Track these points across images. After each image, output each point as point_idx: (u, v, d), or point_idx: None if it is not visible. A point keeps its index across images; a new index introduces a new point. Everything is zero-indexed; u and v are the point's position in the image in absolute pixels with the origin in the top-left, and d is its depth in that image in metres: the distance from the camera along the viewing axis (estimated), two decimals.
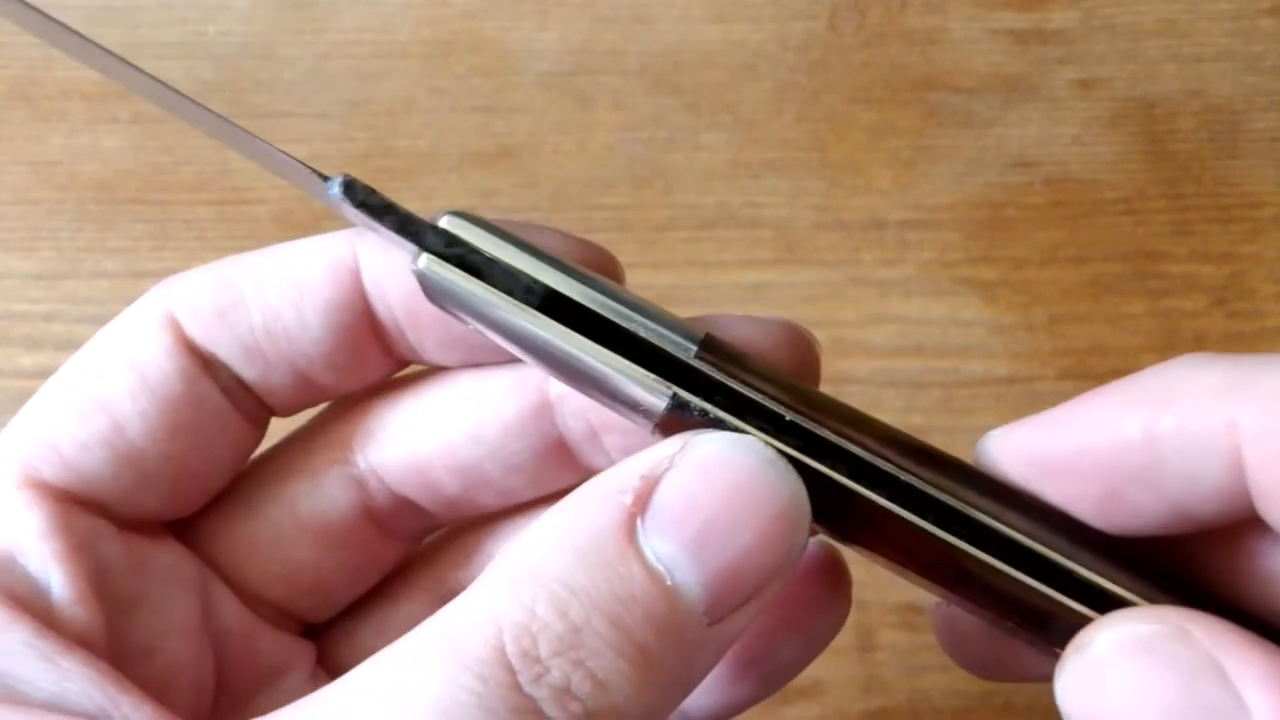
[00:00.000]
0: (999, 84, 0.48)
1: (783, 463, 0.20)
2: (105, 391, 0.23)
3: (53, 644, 0.20)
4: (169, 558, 0.24)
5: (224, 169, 0.46)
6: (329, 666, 0.27)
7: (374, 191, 0.21)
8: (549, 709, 0.18)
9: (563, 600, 0.18)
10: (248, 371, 0.24)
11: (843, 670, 0.39)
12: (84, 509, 0.23)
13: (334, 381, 0.25)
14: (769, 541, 0.19)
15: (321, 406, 0.27)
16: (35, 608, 0.21)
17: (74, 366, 0.24)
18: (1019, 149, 0.47)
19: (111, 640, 0.22)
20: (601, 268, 0.23)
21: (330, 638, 0.27)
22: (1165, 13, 0.49)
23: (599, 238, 0.45)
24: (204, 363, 0.24)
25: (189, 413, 0.23)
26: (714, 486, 0.19)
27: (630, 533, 0.19)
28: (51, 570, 0.22)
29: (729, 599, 0.19)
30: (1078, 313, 0.44)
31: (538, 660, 0.18)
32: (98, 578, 0.22)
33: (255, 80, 0.48)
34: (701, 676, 0.20)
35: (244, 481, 0.26)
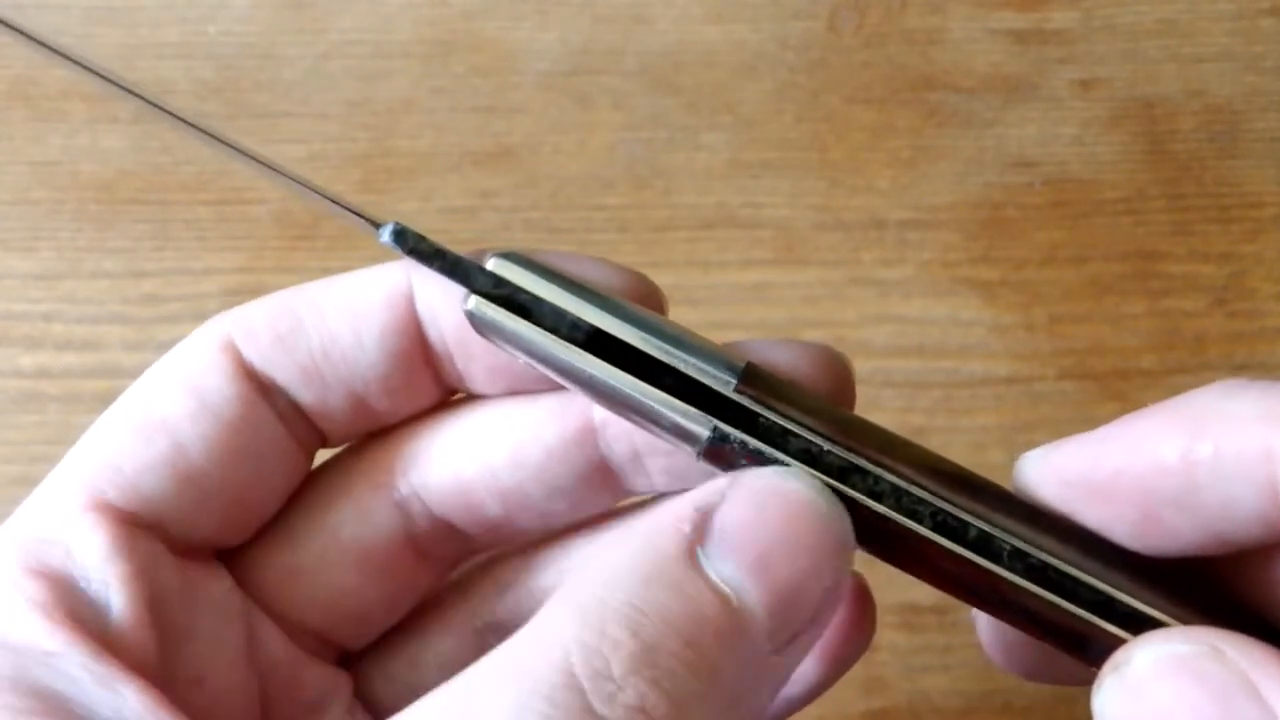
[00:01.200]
0: (999, 84, 0.48)
1: (829, 492, 0.21)
2: (167, 414, 0.23)
3: (111, 669, 0.21)
4: (219, 587, 0.24)
5: (224, 169, 0.46)
6: (363, 699, 0.27)
7: (424, 238, 0.23)
8: None
9: (634, 620, 0.18)
10: (305, 395, 0.24)
11: None
12: (145, 533, 0.23)
13: (387, 406, 0.25)
14: (824, 567, 0.20)
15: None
16: (93, 631, 0.21)
17: (135, 391, 0.24)
18: (1019, 149, 0.47)
19: (163, 667, 0.22)
20: (645, 298, 0.24)
21: (363, 670, 0.27)
22: (1165, 13, 0.49)
23: (599, 238, 0.45)
24: (261, 387, 0.24)
25: (247, 436, 0.24)
26: (769, 514, 0.20)
27: (693, 557, 0.19)
28: (112, 594, 0.22)
29: (789, 624, 0.20)
30: (1078, 313, 0.44)
31: (610, 679, 0.18)
32: (154, 604, 0.22)
33: (255, 80, 0.48)
34: (760, 711, 0.20)
35: (285, 510, 0.26)
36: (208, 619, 0.24)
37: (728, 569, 0.19)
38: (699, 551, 0.19)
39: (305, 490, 0.26)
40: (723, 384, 0.22)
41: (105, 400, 0.43)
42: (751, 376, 0.22)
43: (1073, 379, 0.43)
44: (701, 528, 0.20)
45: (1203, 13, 0.49)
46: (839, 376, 0.24)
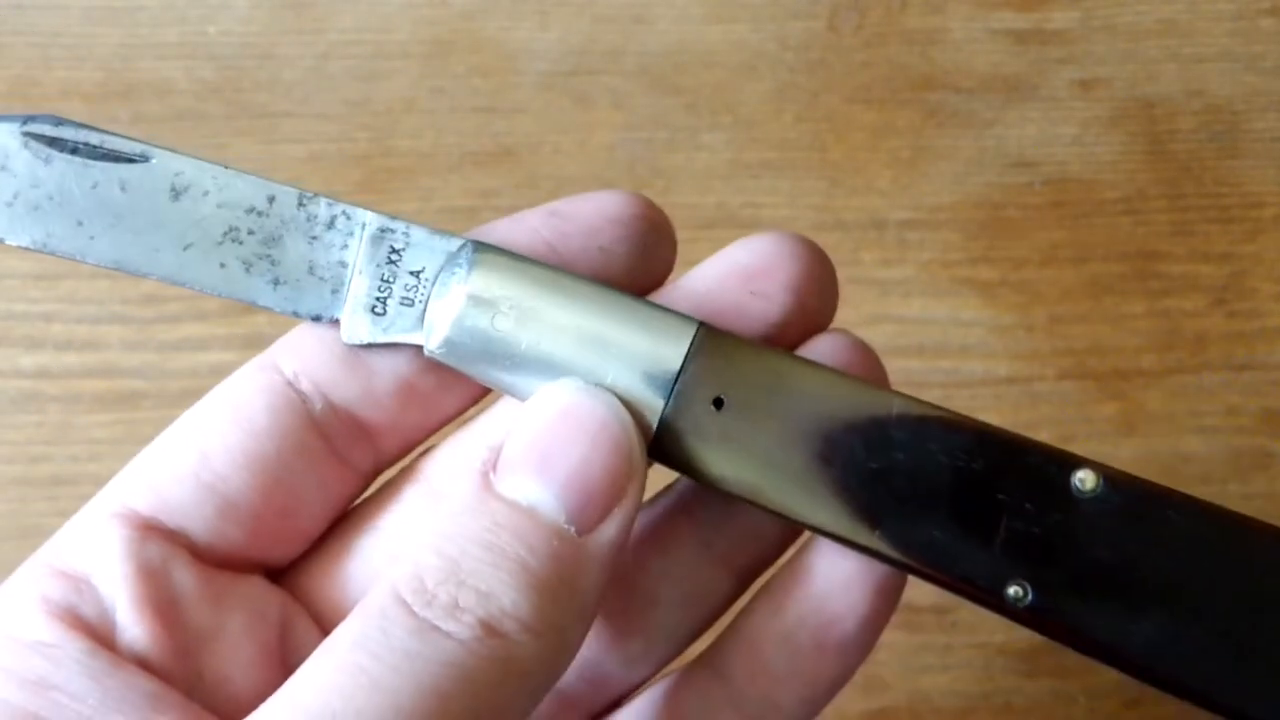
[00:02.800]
0: (999, 84, 0.48)
1: (594, 387, 0.23)
2: (200, 426, 0.25)
3: (103, 662, 0.22)
4: (251, 593, 0.25)
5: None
6: None
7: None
8: (445, 624, 0.21)
9: (439, 545, 0.22)
10: (350, 387, 0.25)
11: None
12: (164, 538, 0.24)
13: (436, 384, 0.26)
14: (602, 447, 0.23)
15: None
16: (101, 626, 0.23)
17: (189, 411, 0.25)
18: (1019, 149, 0.47)
19: (186, 666, 0.23)
20: (651, 221, 0.27)
21: None
22: (1165, 13, 0.49)
23: None
24: (298, 396, 0.25)
25: (273, 446, 0.25)
26: (543, 421, 0.23)
27: (485, 484, 0.23)
28: (119, 592, 0.23)
29: (585, 505, 0.22)
30: (1078, 313, 0.44)
31: (426, 590, 0.21)
32: (169, 604, 0.24)
33: (255, 80, 0.48)
34: (596, 591, 0.23)
35: (344, 523, 0.27)
36: (236, 623, 0.25)
37: (517, 479, 0.22)
38: (491, 477, 0.23)
39: (366, 504, 0.27)
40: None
41: (105, 400, 0.44)
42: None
43: (1073, 379, 0.43)
44: (493, 459, 0.23)
45: (1203, 13, 0.49)
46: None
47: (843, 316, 0.45)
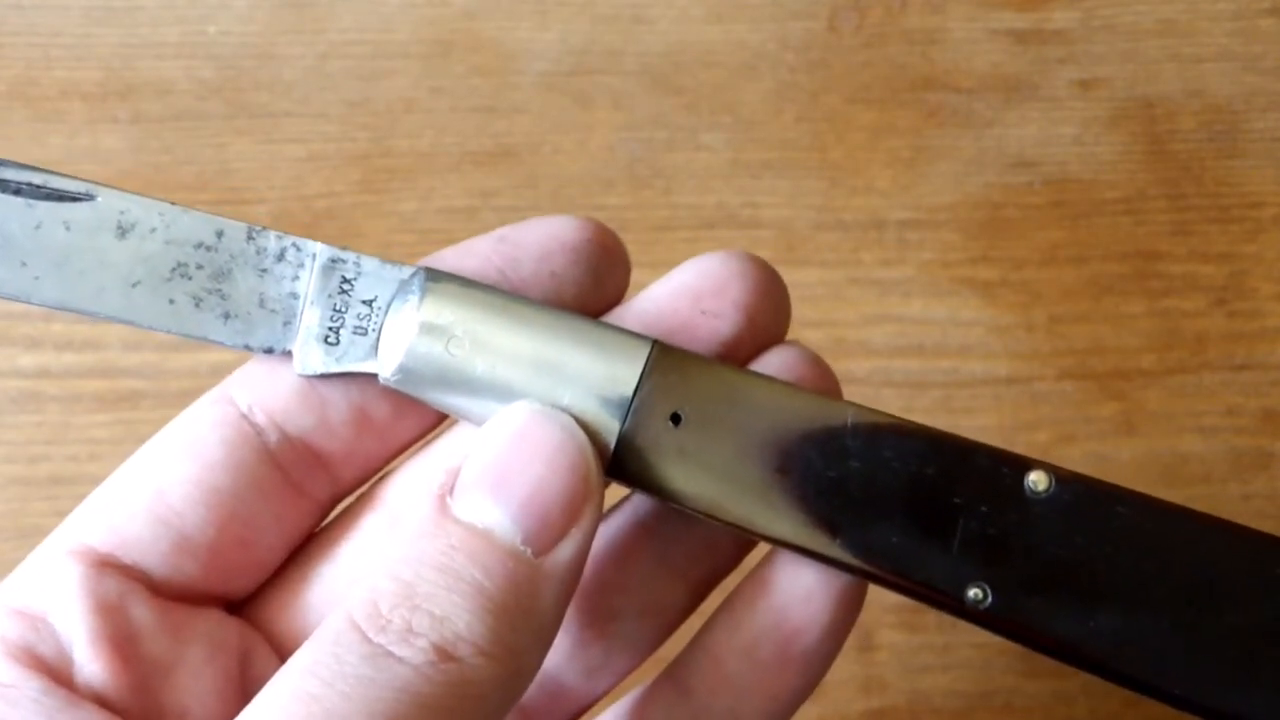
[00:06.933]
0: (999, 84, 0.48)
1: (550, 409, 0.23)
2: (156, 462, 0.25)
3: (59, 700, 0.22)
4: (208, 624, 0.25)
5: (224, 169, 0.46)
6: None
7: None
8: (398, 649, 0.21)
9: (395, 570, 0.22)
10: (305, 418, 0.25)
11: (843, 670, 0.39)
12: (120, 574, 0.24)
13: (390, 412, 0.26)
14: (558, 469, 0.23)
15: None
16: (59, 664, 0.23)
17: (144, 446, 0.25)
18: (1019, 149, 0.47)
19: (145, 700, 0.23)
20: (604, 248, 0.26)
21: None
22: (1165, 13, 0.49)
23: None
24: (253, 429, 0.25)
25: (228, 479, 0.25)
26: (498, 444, 0.23)
27: (442, 508, 0.22)
28: (76, 629, 0.23)
29: (541, 526, 0.22)
30: (1078, 313, 0.44)
31: (380, 615, 0.21)
32: (126, 639, 0.24)
33: (255, 80, 0.48)
34: (553, 613, 0.23)
35: (302, 553, 0.27)
36: (194, 655, 0.24)
37: (473, 502, 0.22)
38: (448, 501, 0.22)
39: (323, 533, 0.27)
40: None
41: (105, 400, 0.44)
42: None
43: (1073, 379, 0.43)
44: (450, 482, 0.23)
45: (1203, 13, 0.49)
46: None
47: (842, 316, 0.45)
